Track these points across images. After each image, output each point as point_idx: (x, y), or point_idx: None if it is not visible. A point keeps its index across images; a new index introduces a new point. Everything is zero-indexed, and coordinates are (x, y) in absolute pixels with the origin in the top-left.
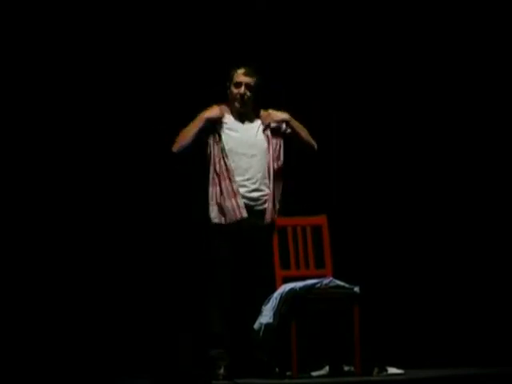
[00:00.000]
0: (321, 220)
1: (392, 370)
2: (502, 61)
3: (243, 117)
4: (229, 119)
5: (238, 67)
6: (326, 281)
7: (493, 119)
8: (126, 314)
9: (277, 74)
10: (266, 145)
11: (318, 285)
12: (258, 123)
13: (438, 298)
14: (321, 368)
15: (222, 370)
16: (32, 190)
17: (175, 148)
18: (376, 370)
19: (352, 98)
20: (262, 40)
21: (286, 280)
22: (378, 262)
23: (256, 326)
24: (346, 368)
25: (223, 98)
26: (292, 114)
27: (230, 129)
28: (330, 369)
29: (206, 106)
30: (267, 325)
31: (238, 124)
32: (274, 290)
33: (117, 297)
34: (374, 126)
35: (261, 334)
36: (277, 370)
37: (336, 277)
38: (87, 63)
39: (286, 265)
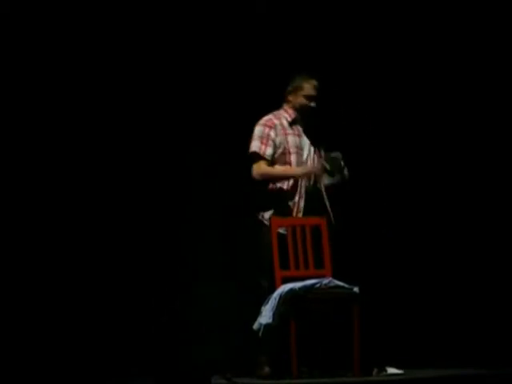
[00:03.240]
0: (320, 220)
1: (391, 370)
2: (503, 61)
3: (297, 122)
4: (284, 124)
5: (308, 77)
6: (325, 281)
7: (492, 120)
8: (129, 315)
9: (277, 76)
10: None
11: (318, 285)
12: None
13: (438, 298)
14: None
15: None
16: (31, 189)
17: (259, 177)
18: (375, 370)
19: (351, 98)
20: (261, 43)
21: (286, 280)
22: (378, 262)
23: (255, 326)
24: (345, 369)
25: (221, 99)
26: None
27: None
28: (328, 369)
29: (205, 107)
30: (266, 325)
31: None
32: (274, 290)
33: (119, 297)
34: (372, 129)
35: (260, 334)
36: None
37: (335, 277)
38: (87, 65)
39: (285, 265)
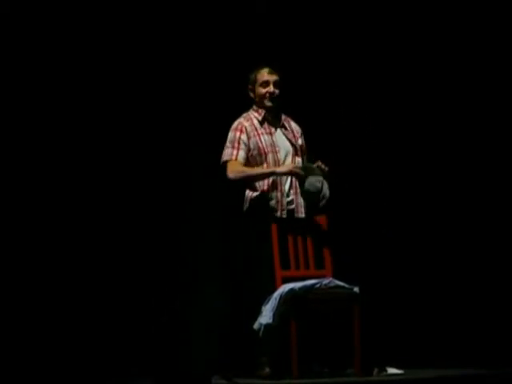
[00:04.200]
0: (321, 220)
1: (392, 370)
2: (503, 61)
3: (268, 119)
4: (256, 124)
5: (258, 68)
6: (325, 281)
7: (492, 120)
8: (129, 315)
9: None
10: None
11: (318, 285)
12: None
13: (438, 298)
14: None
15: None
16: (31, 190)
17: (234, 176)
18: (376, 370)
19: (351, 98)
20: (261, 43)
21: (286, 280)
22: (378, 262)
23: (256, 326)
24: (346, 368)
25: (221, 99)
26: (293, 113)
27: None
28: (329, 369)
29: (206, 107)
30: (267, 325)
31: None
32: (274, 290)
33: (119, 297)
34: (373, 127)
35: (260, 334)
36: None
37: (336, 277)
38: (87, 66)
39: (285, 265)
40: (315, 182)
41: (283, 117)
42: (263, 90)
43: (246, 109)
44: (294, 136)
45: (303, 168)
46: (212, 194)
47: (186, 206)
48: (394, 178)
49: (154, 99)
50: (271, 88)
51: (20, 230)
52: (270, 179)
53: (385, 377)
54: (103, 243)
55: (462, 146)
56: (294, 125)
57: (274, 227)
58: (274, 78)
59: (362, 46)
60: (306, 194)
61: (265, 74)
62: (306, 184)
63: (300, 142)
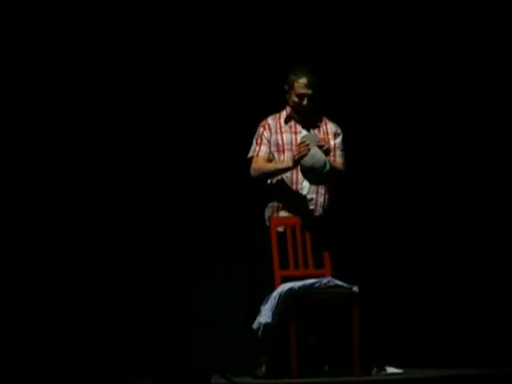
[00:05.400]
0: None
1: (391, 370)
2: (503, 61)
3: (295, 119)
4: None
5: (298, 75)
6: (324, 280)
7: (492, 120)
8: (129, 315)
9: (276, 76)
10: None
11: (317, 284)
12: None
13: (438, 298)
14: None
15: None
16: (31, 190)
17: (253, 173)
18: (375, 369)
19: (350, 98)
20: (261, 43)
21: (285, 280)
22: (378, 262)
23: (255, 325)
24: (345, 367)
25: (221, 99)
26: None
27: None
28: (328, 368)
29: (205, 107)
30: (266, 324)
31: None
32: (273, 289)
33: (119, 297)
34: (373, 127)
35: (259, 333)
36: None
37: (335, 277)
38: (87, 66)
39: (284, 265)
40: (315, 154)
41: (320, 118)
42: (296, 101)
43: (245, 109)
44: (325, 138)
45: (305, 137)
46: (212, 194)
47: (186, 206)
48: (394, 178)
49: (154, 99)
50: (304, 101)
51: (20, 231)
52: (285, 180)
53: (384, 376)
54: (103, 243)
55: (462, 146)
56: (330, 126)
57: (273, 222)
58: (309, 92)
59: (362, 44)
60: (307, 170)
61: (302, 88)
62: (307, 158)
63: (332, 142)
